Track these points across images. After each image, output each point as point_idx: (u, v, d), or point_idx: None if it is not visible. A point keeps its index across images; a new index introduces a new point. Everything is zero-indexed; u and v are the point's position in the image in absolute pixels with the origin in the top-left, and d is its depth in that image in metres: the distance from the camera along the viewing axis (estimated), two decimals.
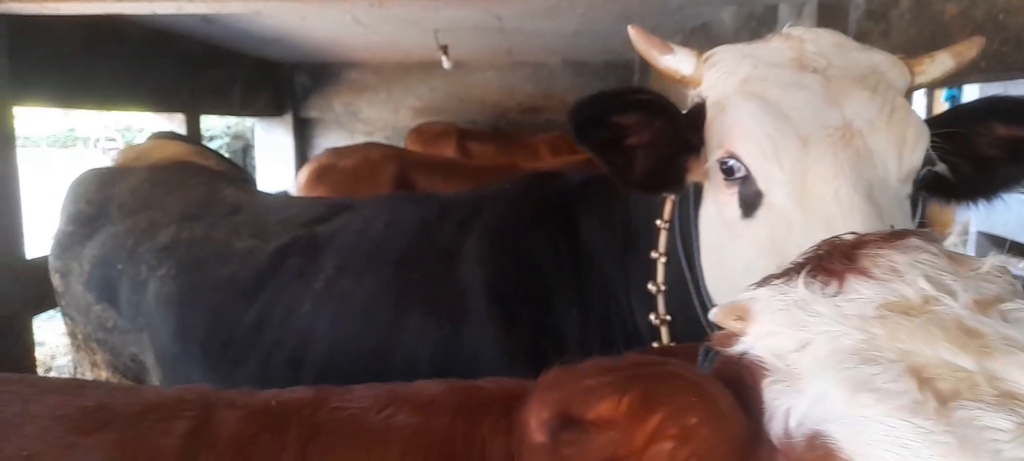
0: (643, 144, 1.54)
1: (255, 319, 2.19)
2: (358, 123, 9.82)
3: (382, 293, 2.07)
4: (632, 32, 1.65)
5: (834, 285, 0.81)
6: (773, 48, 1.54)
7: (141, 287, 2.43)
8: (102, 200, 2.75)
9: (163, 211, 2.63)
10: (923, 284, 0.77)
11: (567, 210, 2.08)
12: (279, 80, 9.06)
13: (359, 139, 9.62)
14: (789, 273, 0.89)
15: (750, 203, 1.42)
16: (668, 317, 1.81)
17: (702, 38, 6.10)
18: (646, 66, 7.62)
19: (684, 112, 1.60)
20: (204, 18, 5.44)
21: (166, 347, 2.33)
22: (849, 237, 0.90)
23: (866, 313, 0.76)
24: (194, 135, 7.05)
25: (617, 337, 1.92)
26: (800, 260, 0.91)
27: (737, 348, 0.86)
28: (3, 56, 3.65)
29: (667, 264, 1.79)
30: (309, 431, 1.23)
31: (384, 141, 9.71)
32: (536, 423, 0.84)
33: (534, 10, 5.12)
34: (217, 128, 11.60)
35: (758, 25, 4.69)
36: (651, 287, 1.82)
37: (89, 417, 1.26)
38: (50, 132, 14.91)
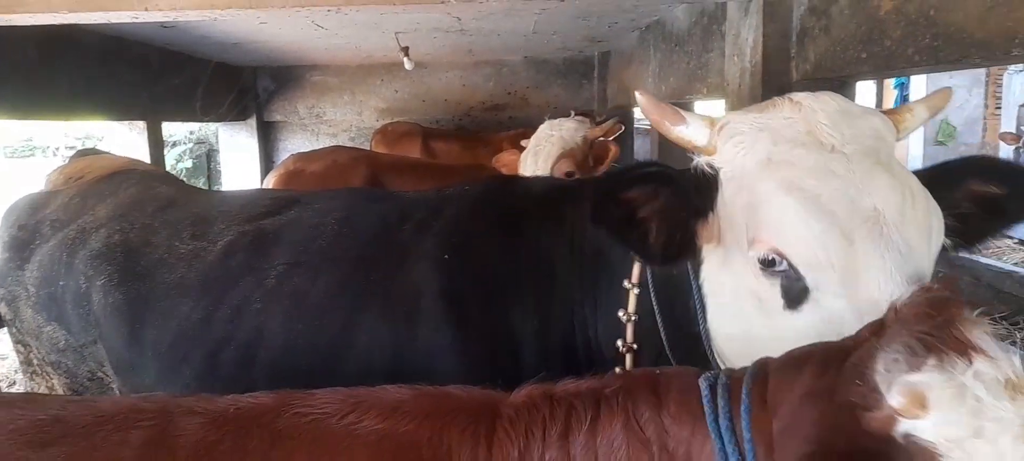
0: (653, 215, 1.55)
1: (204, 316, 2.14)
2: (322, 125, 9.80)
3: (338, 291, 2.04)
4: (640, 100, 1.62)
5: (965, 363, 0.86)
6: (785, 119, 1.53)
7: (85, 298, 2.37)
8: (35, 223, 2.66)
9: (93, 216, 2.55)
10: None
11: (528, 218, 2.09)
12: (242, 84, 9.00)
13: (324, 141, 9.61)
14: (908, 350, 0.91)
15: (794, 297, 1.41)
16: (635, 346, 1.86)
17: (657, 33, 6.24)
18: (606, 61, 7.73)
19: (688, 174, 1.62)
20: (162, 24, 5.42)
21: (121, 355, 2.29)
22: (914, 301, 1.01)
23: (1000, 389, 0.84)
24: (156, 141, 7.00)
25: (580, 354, 1.95)
26: (907, 336, 0.93)
27: (901, 429, 0.87)
28: None
29: (640, 296, 1.83)
30: (271, 437, 1.22)
31: (349, 142, 9.72)
32: None
33: (492, 11, 5.19)
34: (180, 133, 11.46)
35: (709, 21, 4.82)
36: (621, 315, 1.85)
37: (43, 430, 1.23)
38: (6, 143, 14.55)
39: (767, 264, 1.43)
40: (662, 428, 1.12)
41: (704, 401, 1.12)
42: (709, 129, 1.57)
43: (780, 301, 1.43)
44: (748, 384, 1.11)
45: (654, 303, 1.77)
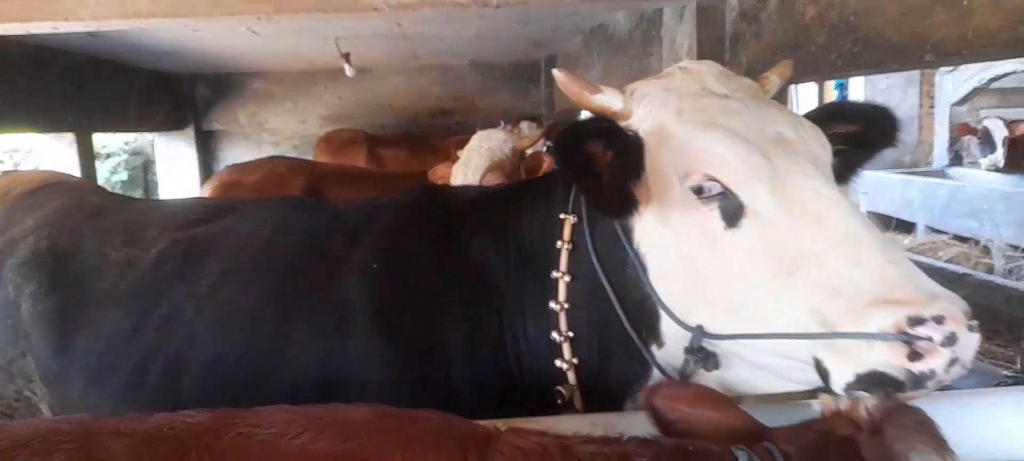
0: (605, 169, 1.63)
1: (133, 325, 2.10)
2: (264, 134, 9.60)
3: (269, 302, 2.02)
4: (558, 76, 1.70)
5: None
6: (683, 82, 1.71)
7: (13, 308, 2.30)
8: None
9: (20, 227, 2.49)
10: None
11: (459, 226, 2.09)
12: (178, 92, 8.75)
13: (266, 150, 9.41)
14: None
15: (732, 215, 1.52)
16: (570, 334, 1.87)
17: (600, 37, 6.28)
18: (552, 65, 7.76)
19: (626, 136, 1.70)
20: (89, 33, 5.22)
21: (49, 365, 2.23)
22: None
23: None
24: (86, 154, 6.74)
25: (510, 356, 1.94)
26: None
27: None
28: None
29: (571, 283, 1.86)
30: (211, 460, 1.14)
31: (293, 151, 9.55)
32: None
33: (429, 17, 5.15)
34: (114, 145, 11.08)
35: (648, 26, 4.87)
36: (553, 305, 1.87)
37: None
38: None
39: (701, 192, 1.55)
40: None
41: None
42: (622, 96, 1.70)
43: (721, 223, 1.54)
44: None
45: (599, 272, 1.79)
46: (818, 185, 1.48)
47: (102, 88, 6.82)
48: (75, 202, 2.65)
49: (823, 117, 1.75)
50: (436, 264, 2.03)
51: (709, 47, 3.82)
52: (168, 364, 2.05)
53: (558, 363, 1.87)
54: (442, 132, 9.24)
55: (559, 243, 1.88)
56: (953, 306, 1.25)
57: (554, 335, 1.88)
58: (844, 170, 1.81)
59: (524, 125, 7.27)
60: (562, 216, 1.89)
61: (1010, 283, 4.73)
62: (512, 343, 1.95)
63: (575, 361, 1.86)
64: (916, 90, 12.17)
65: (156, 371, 2.05)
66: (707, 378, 1.65)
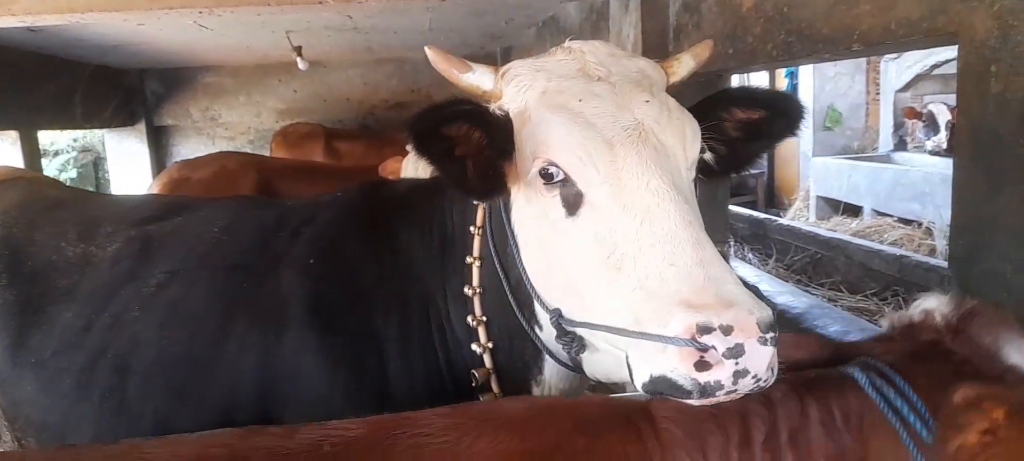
0: (470, 153, 1.61)
1: (83, 325, 2.11)
2: (218, 128, 9.44)
3: (212, 300, 2.03)
4: (429, 53, 1.70)
5: None
6: (560, 61, 1.67)
7: None
8: None
9: None
10: None
11: (390, 218, 2.12)
12: (127, 88, 8.55)
13: (221, 145, 9.27)
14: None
15: (572, 203, 1.52)
16: (484, 318, 1.89)
17: (552, 28, 6.32)
18: (508, 58, 7.77)
19: (496, 117, 1.67)
20: (29, 28, 5.08)
21: (2, 366, 2.21)
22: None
23: None
24: (31, 151, 6.57)
25: (435, 343, 1.97)
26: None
27: None
28: None
29: (482, 267, 1.88)
30: None
31: (248, 146, 9.42)
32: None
33: (381, 8, 5.13)
34: (62, 142, 10.79)
35: (597, 17, 4.93)
36: (467, 290, 1.89)
37: None
38: None
39: (546, 177, 1.55)
40: (835, 426, 1.16)
41: (874, 397, 1.16)
42: (494, 75, 1.70)
43: (562, 210, 1.54)
44: (898, 379, 1.18)
45: (494, 256, 1.81)
46: (652, 178, 1.45)
47: (45, 84, 6.64)
48: (31, 196, 2.64)
49: (724, 103, 1.76)
50: (369, 258, 2.04)
51: (653, 38, 3.89)
52: (115, 364, 2.05)
53: (474, 347, 1.90)
54: (399, 125, 9.18)
55: (472, 228, 1.90)
56: (748, 317, 1.21)
57: (469, 319, 1.91)
58: (741, 158, 1.81)
59: None
60: (476, 202, 1.90)
61: (943, 264, 4.93)
62: (438, 332, 1.98)
63: (490, 345, 1.89)
64: (863, 78, 12.45)
65: (104, 371, 2.05)
66: (590, 360, 1.67)
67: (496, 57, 9.26)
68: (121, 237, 2.29)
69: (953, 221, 2.02)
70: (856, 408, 1.16)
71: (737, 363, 1.18)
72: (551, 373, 1.85)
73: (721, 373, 1.18)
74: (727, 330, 1.19)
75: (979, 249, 1.90)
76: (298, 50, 6.26)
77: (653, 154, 1.50)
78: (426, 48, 1.72)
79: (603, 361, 1.61)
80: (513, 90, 1.66)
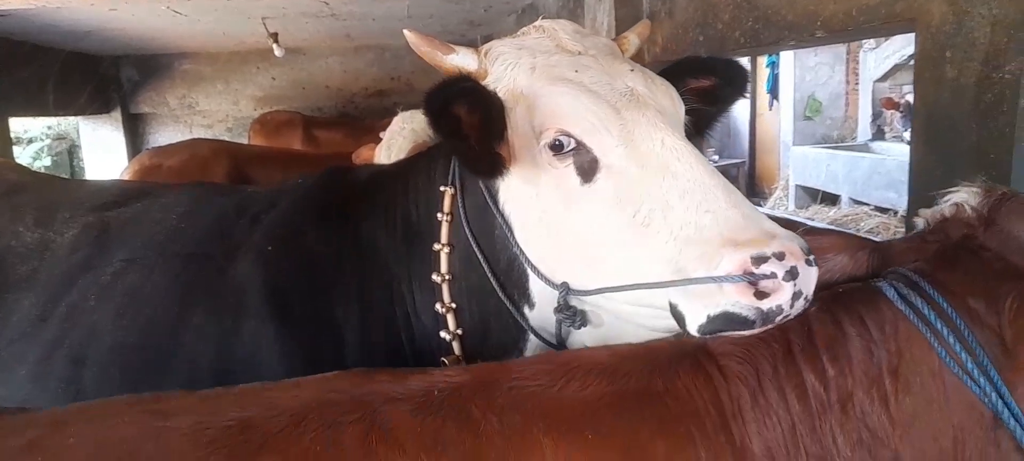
0: (474, 132, 1.61)
1: (39, 314, 2.06)
2: (196, 116, 9.35)
3: (169, 288, 2.00)
4: (409, 36, 1.69)
5: None
6: (537, 39, 1.70)
7: None
8: None
9: None
10: None
11: (352, 206, 2.09)
12: (102, 75, 8.44)
13: (198, 133, 9.19)
14: None
15: (587, 170, 1.54)
16: (453, 305, 1.89)
17: (531, 15, 6.31)
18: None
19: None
20: None
21: None
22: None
23: None
24: (1, 139, 6.47)
25: (401, 332, 1.96)
26: None
27: None
28: None
29: (451, 254, 1.88)
30: (498, 411, 1.15)
31: (226, 133, 9.34)
32: None
33: None
34: (36, 129, 10.62)
35: (574, 5, 4.92)
36: (435, 278, 1.90)
37: (236, 435, 1.09)
38: None
39: (557, 148, 1.56)
40: (870, 336, 1.19)
41: (900, 305, 1.20)
42: (476, 56, 1.70)
43: (577, 179, 1.55)
44: (925, 283, 1.21)
45: (472, 242, 1.82)
46: (665, 136, 1.50)
47: (17, 70, 6.54)
48: None
49: (678, 73, 1.81)
50: (329, 245, 2.02)
51: (627, 24, 3.87)
52: (71, 355, 2.01)
53: (443, 334, 1.90)
54: (380, 113, 9.15)
55: (439, 215, 1.90)
56: (792, 243, 1.29)
57: (438, 307, 1.90)
58: (701, 124, 1.90)
59: None
60: (442, 188, 1.90)
61: None
62: (402, 319, 1.97)
63: (460, 332, 1.89)
64: (843, 67, 12.55)
65: (60, 362, 2.01)
66: (577, 337, 1.70)
67: (477, 45, 9.22)
68: (79, 223, 2.25)
69: (910, 205, 2.05)
70: (890, 319, 1.19)
71: (795, 284, 1.25)
72: (532, 354, 1.86)
73: (781, 297, 1.25)
74: (780, 256, 1.25)
75: None
76: (274, 37, 6.21)
77: (656, 115, 1.55)
78: (405, 31, 1.71)
79: (607, 330, 1.64)
80: (500, 69, 1.66)
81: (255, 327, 1.89)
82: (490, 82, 1.67)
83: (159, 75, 8.98)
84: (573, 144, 1.54)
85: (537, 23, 1.77)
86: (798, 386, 1.17)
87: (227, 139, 8.46)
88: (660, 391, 1.18)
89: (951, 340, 1.13)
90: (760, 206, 9.42)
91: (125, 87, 8.91)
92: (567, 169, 1.56)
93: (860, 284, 1.31)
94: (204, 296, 1.97)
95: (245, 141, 8.32)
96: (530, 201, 1.66)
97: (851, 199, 9.11)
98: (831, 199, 9.75)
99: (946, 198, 1.33)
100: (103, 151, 8.96)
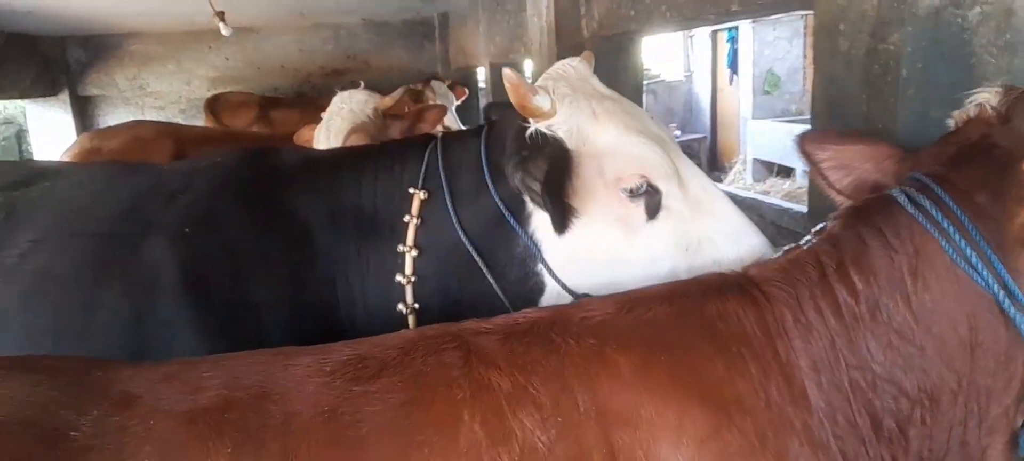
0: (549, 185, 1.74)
1: None
2: (147, 98, 9.16)
3: (80, 269, 1.95)
4: (507, 77, 1.75)
5: None
6: (576, 79, 1.91)
7: None
8: None
9: None
10: None
11: (283, 189, 2.07)
12: (47, 56, 8.23)
13: (151, 115, 9.01)
14: None
15: (654, 209, 1.78)
16: (416, 306, 1.93)
17: None
18: (445, 22, 7.69)
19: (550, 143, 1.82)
20: None
21: None
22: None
23: None
24: None
25: (343, 322, 1.97)
26: None
27: None
28: None
29: (417, 257, 1.93)
30: (576, 335, 1.26)
31: (180, 115, 9.18)
32: None
33: None
34: None
35: None
36: (399, 278, 1.92)
37: (360, 368, 1.23)
38: None
39: (634, 192, 1.77)
40: (889, 244, 1.28)
41: (910, 209, 1.28)
42: (549, 97, 1.82)
43: (643, 217, 1.78)
44: (934, 185, 1.29)
45: (471, 250, 1.90)
46: (702, 179, 1.82)
47: None
48: None
49: None
50: (253, 227, 2.00)
51: (565, 2, 3.91)
52: None
53: (407, 331, 1.92)
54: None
55: (407, 217, 1.93)
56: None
57: (400, 306, 1.94)
58: None
59: (435, 84, 7.07)
60: (412, 190, 1.94)
61: None
62: (347, 309, 1.98)
63: None
64: (801, 42, 12.68)
65: None
66: None
67: (433, 22, 9.17)
68: None
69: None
70: (904, 224, 1.28)
71: None
72: None
73: None
74: None
75: None
76: (220, 15, 6.07)
77: (684, 156, 1.85)
78: (504, 71, 1.76)
79: None
80: (566, 111, 1.82)
81: (171, 310, 1.87)
82: (554, 122, 1.82)
83: (107, 56, 8.78)
84: (646, 186, 1.76)
85: (569, 61, 1.97)
86: (832, 303, 1.27)
87: (181, 121, 8.32)
88: (713, 315, 1.29)
89: (956, 236, 1.22)
90: (719, 181, 9.56)
91: (72, 68, 8.70)
92: (638, 208, 1.77)
93: (876, 196, 1.41)
94: (118, 276, 1.93)
95: (201, 123, 8.19)
96: (581, 232, 1.80)
97: (805, 171, 9.26)
98: (787, 172, 9.90)
99: (972, 99, 1.40)
100: (52, 135, 8.74)
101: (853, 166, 1.51)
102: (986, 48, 1.70)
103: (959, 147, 1.36)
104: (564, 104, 1.82)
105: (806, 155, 1.58)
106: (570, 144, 1.80)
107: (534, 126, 1.81)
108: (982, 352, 1.23)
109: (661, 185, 1.76)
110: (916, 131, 1.69)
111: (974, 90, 1.40)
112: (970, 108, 1.40)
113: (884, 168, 1.49)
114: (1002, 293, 1.20)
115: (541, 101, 1.79)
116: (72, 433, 0.99)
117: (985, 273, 1.20)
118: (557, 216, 1.76)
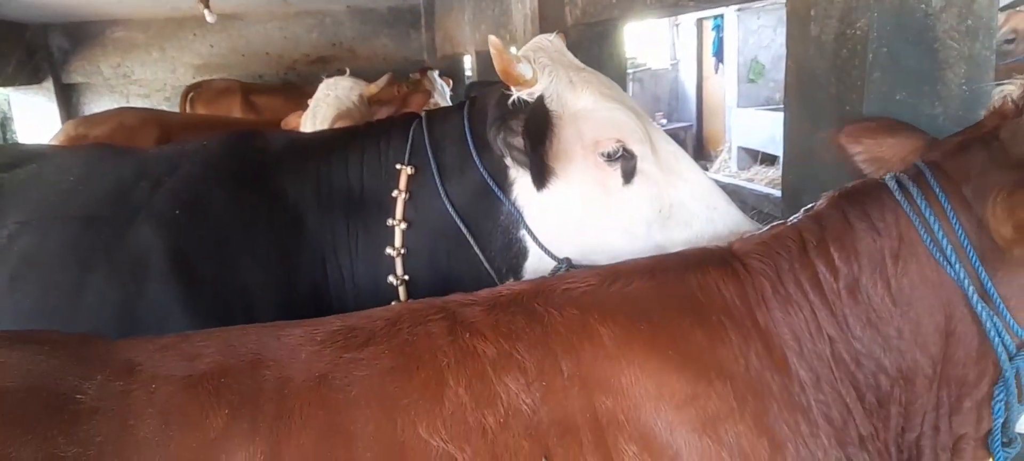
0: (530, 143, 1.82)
1: None
2: (132, 85, 9.12)
3: (67, 252, 1.96)
4: (493, 44, 1.80)
5: None
6: (554, 52, 1.97)
7: None
8: None
9: None
10: None
11: (271, 171, 2.10)
12: (29, 44, 8.16)
13: (135, 102, 8.98)
14: None
15: (629, 173, 1.85)
16: (406, 277, 1.99)
17: None
18: (431, 10, 7.68)
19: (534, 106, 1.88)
20: None
21: None
22: None
23: None
24: None
25: (333, 300, 2.00)
26: None
27: None
28: None
29: (407, 230, 1.99)
30: (558, 305, 1.31)
31: (165, 103, 9.14)
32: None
33: None
34: None
35: None
36: (389, 251, 1.97)
37: (350, 337, 1.28)
38: None
39: (611, 155, 1.84)
40: (873, 226, 1.30)
41: (897, 195, 1.30)
42: (530, 65, 1.89)
43: (620, 180, 1.86)
44: (927, 172, 1.31)
45: (458, 220, 1.96)
46: (674, 147, 1.92)
47: None
48: None
49: None
50: (242, 210, 2.03)
51: None
52: None
53: (394, 305, 1.97)
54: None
55: (395, 192, 1.98)
56: None
57: (391, 279, 1.99)
58: None
59: (431, 75, 7.06)
60: (399, 166, 2.00)
61: None
62: (336, 287, 2.02)
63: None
64: (784, 31, 12.77)
65: None
66: None
67: (420, 9, 9.17)
68: None
69: (784, 156, 2.18)
70: (891, 208, 1.31)
71: None
72: None
73: None
74: None
75: (805, 180, 2.06)
76: (205, 2, 6.09)
77: (654, 123, 1.94)
78: (490, 38, 1.82)
79: None
80: (547, 80, 1.89)
81: (160, 293, 1.90)
82: (535, 89, 1.88)
83: (91, 43, 8.72)
84: (622, 150, 1.83)
85: (550, 38, 2.03)
86: (812, 277, 1.31)
87: (165, 109, 8.30)
88: (694, 287, 1.34)
89: (936, 226, 1.25)
90: (706, 169, 9.62)
91: (56, 56, 8.64)
92: (614, 172, 1.85)
93: (867, 180, 1.45)
94: (105, 259, 1.95)
95: (189, 110, 8.16)
96: (560, 195, 1.88)
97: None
98: (771, 160, 10.00)
99: (998, 90, 1.40)
100: (36, 123, 8.69)
101: (885, 159, 1.52)
102: (949, 33, 1.77)
103: (966, 137, 1.37)
104: (544, 73, 1.89)
105: (841, 149, 1.58)
106: (550, 107, 1.87)
107: (516, 94, 1.86)
108: (956, 342, 1.26)
109: (636, 149, 1.84)
110: (882, 113, 1.76)
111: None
112: (996, 99, 1.39)
113: (910, 161, 1.48)
114: (972, 289, 1.22)
115: (523, 69, 1.85)
116: (78, 396, 1.05)
117: (958, 267, 1.22)
118: (536, 167, 1.82)
